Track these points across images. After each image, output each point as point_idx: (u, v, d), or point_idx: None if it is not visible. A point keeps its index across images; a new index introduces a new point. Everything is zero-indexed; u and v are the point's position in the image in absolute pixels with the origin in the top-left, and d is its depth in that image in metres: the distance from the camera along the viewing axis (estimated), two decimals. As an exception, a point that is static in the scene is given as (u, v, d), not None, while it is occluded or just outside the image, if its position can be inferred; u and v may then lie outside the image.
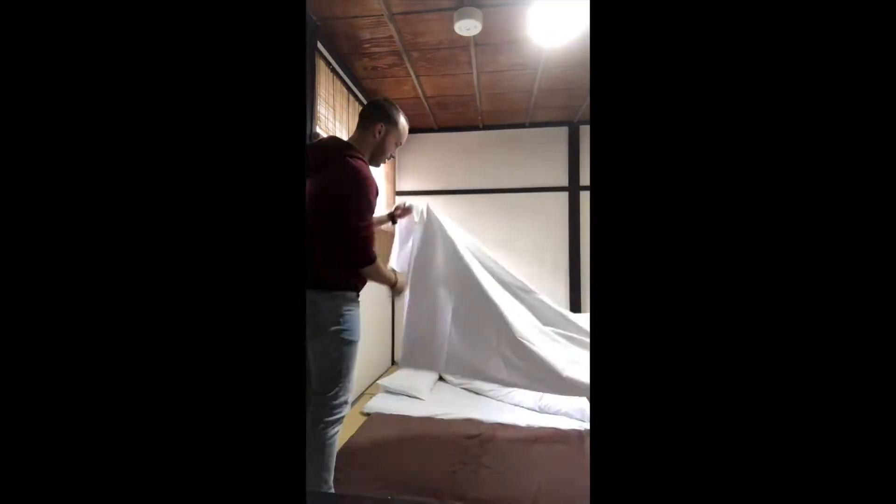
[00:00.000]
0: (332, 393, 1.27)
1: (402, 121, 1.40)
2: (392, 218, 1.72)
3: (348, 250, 1.27)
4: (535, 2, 1.76)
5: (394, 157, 1.55)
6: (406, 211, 1.70)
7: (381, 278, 1.38)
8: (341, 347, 1.27)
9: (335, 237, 1.26)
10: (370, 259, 1.29)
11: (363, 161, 1.31)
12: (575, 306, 3.05)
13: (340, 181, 1.25)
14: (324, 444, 1.27)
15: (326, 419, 1.27)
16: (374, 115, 1.36)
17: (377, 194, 1.34)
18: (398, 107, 1.40)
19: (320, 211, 1.25)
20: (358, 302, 1.34)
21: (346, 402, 1.32)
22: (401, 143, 1.42)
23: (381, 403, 2.28)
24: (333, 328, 1.26)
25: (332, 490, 1.30)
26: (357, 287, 1.33)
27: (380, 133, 1.35)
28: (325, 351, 1.26)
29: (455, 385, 2.67)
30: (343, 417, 1.32)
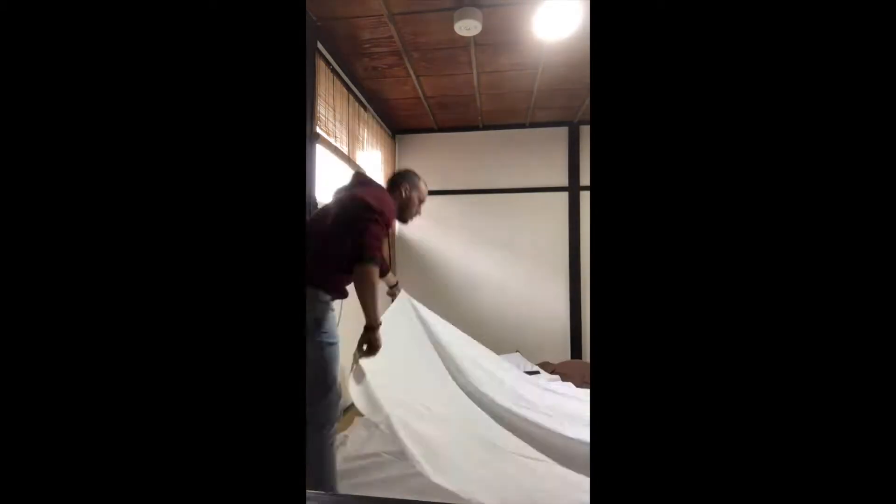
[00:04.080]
0: (318, 397, 1.28)
1: (423, 183, 1.64)
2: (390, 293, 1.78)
3: (354, 242, 1.26)
4: (535, 1, 1.76)
5: (419, 214, 1.67)
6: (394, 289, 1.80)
7: (368, 290, 1.28)
8: (322, 350, 1.28)
9: (341, 233, 1.30)
10: (372, 257, 1.26)
11: (388, 191, 1.50)
12: (575, 306, 3.05)
13: (363, 195, 1.36)
14: (320, 448, 1.27)
15: (314, 423, 1.27)
16: (399, 180, 1.59)
17: (394, 217, 1.46)
18: (417, 175, 1.65)
19: (336, 216, 1.34)
20: (331, 305, 1.33)
21: (335, 404, 1.32)
22: (423, 201, 1.65)
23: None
24: (312, 332, 1.26)
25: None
26: (328, 289, 1.31)
27: (405, 191, 1.56)
28: (307, 356, 1.26)
29: (455, 385, 2.67)
30: (335, 420, 1.32)
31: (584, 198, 3.10)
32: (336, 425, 1.33)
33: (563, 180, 3.15)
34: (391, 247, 3.22)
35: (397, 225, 3.27)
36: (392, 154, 3.26)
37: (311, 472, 1.27)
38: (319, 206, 1.57)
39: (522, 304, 3.14)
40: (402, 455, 1.66)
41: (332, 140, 2.13)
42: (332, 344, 1.30)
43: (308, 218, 1.47)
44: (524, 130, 3.21)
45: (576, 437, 1.62)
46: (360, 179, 1.53)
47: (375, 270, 1.28)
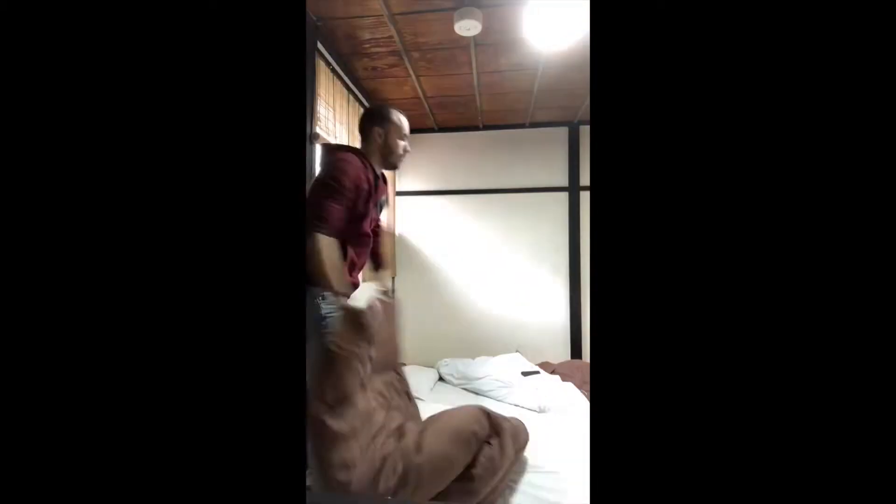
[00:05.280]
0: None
1: (398, 117, 1.41)
2: None
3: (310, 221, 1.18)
4: (535, 2, 1.76)
5: (408, 151, 1.46)
6: None
7: (314, 261, 1.14)
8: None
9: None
10: (316, 226, 1.16)
11: (350, 152, 1.33)
12: (575, 306, 3.05)
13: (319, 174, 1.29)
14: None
15: None
16: (368, 121, 1.40)
17: (361, 181, 1.29)
18: (390, 106, 1.43)
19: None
20: (330, 300, 1.22)
21: None
22: (405, 138, 1.43)
23: (381, 403, 2.28)
24: (320, 334, 1.18)
25: None
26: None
27: (380, 136, 1.39)
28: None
29: (455, 385, 2.67)
30: None
31: (584, 198, 3.09)
32: None
33: (563, 180, 3.14)
34: (391, 245, 3.22)
35: (398, 225, 3.28)
36: (392, 154, 3.26)
37: None
38: None
39: (522, 304, 3.14)
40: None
41: (332, 140, 2.13)
42: None
43: None
44: (524, 130, 3.20)
45: None
46: (324, 151, 1.38)
47: (326, 240, 1.17)
